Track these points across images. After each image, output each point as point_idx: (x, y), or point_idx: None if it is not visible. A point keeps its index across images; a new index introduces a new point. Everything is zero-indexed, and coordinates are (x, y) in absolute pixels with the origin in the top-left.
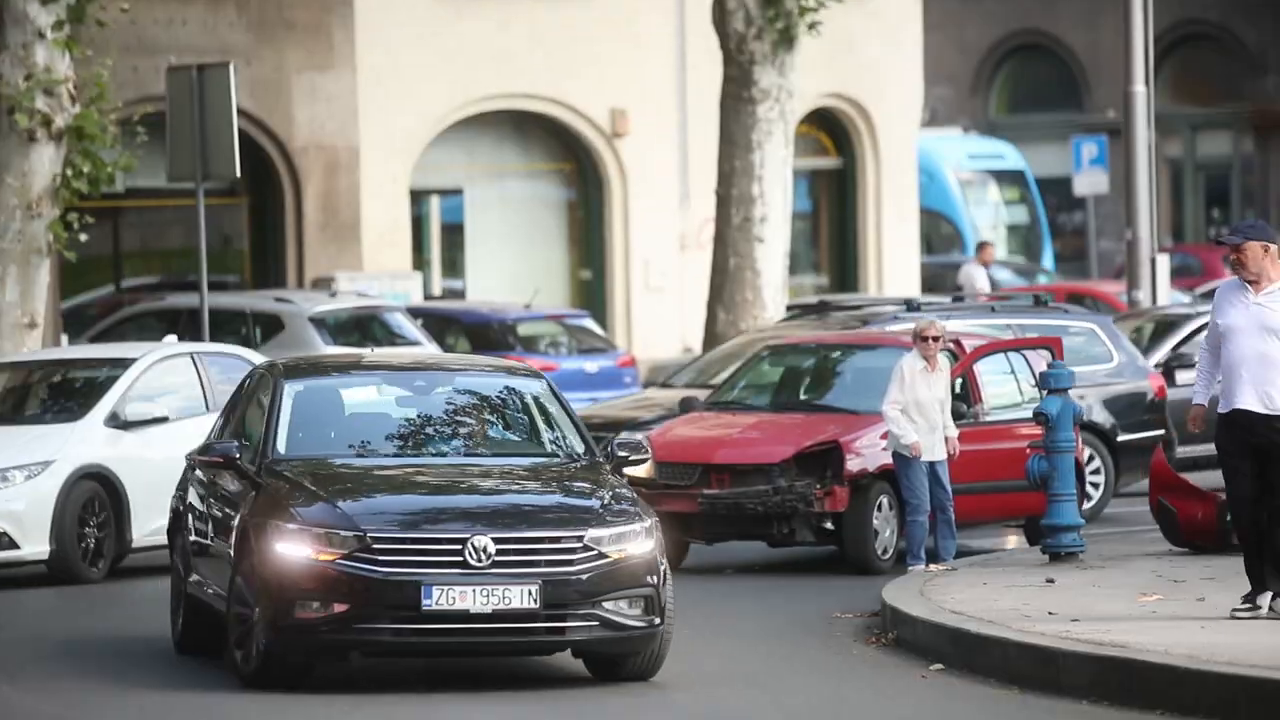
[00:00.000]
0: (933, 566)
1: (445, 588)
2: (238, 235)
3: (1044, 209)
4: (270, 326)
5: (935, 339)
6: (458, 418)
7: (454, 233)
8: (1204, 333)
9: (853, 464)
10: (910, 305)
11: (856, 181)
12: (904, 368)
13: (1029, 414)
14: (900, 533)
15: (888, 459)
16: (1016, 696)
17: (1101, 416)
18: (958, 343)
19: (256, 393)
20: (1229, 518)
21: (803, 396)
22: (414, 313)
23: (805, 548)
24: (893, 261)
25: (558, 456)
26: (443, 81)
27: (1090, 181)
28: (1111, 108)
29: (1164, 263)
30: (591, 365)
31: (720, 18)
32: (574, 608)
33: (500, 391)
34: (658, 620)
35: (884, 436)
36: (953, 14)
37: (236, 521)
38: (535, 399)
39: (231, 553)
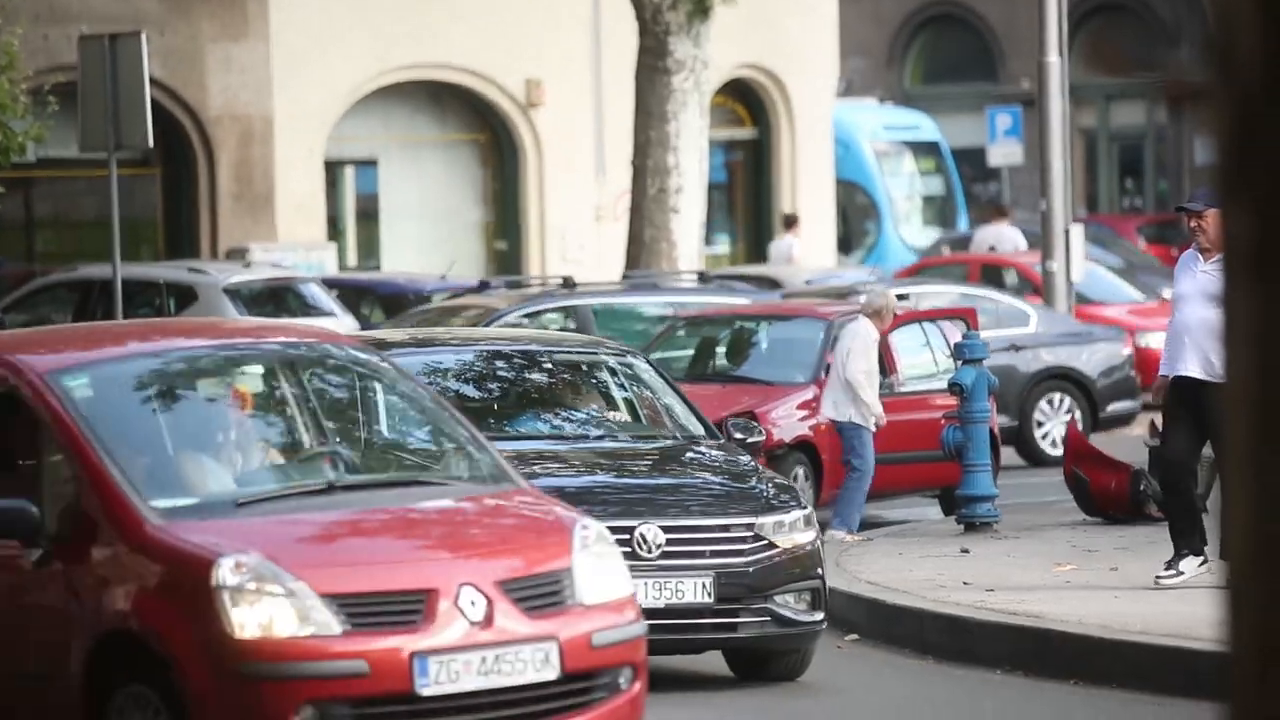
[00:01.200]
0: (848, 537)
1: None
2: (151, 205)
3: (959, 180)
4: (184, 298)
5: (895, 314)
6: (570, 397)
7: (369, 203)
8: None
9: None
10: (566, 283)
11: (772, 152)
12: (867, 336)
13: (943, 385)
14: (820, 501)
15: (804, 430)
16: (932, 666)
17: None
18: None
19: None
20: (1141, 487)
21: (718, 367)
22: (328, 284)
23: None
24: (809, 232)
25: (677, 438)
26: (357, 52)
27: (1005, 152)
28: (1026, 78)
29: (1078, 233)
30: None
31: None
32: (746, 602)
33: (604, 370)
34: (821, 615)
35: (804, 406)
36: None
37: None
38: (640, 377)
39: None
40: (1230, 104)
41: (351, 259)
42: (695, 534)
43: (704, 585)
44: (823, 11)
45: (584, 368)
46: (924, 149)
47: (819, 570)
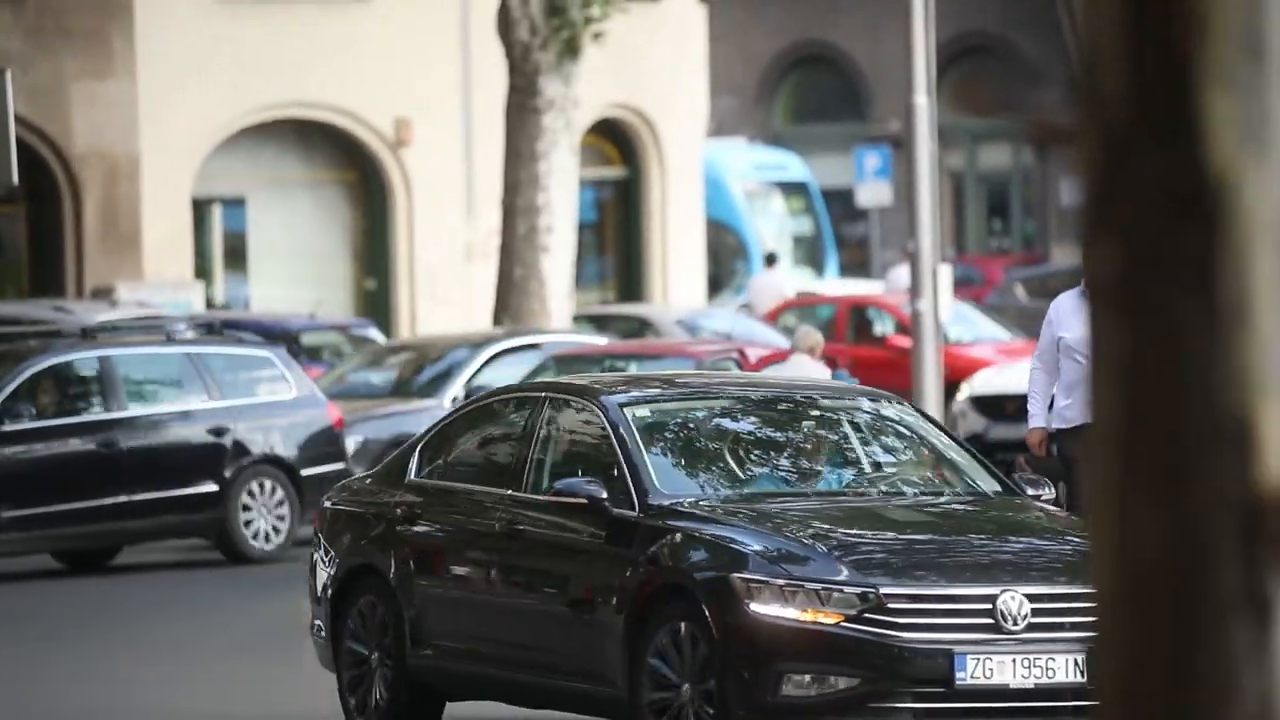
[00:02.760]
0: None
1: (981, 657)
2: (16, 244)
3: (829, 220)
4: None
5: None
6: (852, 449)
7: (237, 241)
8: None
9: None
10: (85, 333)
11: (642, 192)
12: (814, 369)
13: None
14: None
15: None
16: None
17: (285, 449)
18: (741, 352)
19: (535, 419)
20: None
21: None
22: (196, 322)
23: None
24: (678, 271)
25: (973, 494)
26: (224, 89)
27: (873, 192)
28: (894, 119)
29: (946, 274)
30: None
31: (505, 27)
32: None
33: (878, 418)
34: None
35: None
36: (737, 25)
37: (619, 579)
38: (915, 428)
39: (618, 621)
40: (1096, 140)
41: (219, 297)
42: (1062, 603)
43: (1075, 661)
44: (692, 51)
45: (857, 417)
46: (793, 189)
47: None
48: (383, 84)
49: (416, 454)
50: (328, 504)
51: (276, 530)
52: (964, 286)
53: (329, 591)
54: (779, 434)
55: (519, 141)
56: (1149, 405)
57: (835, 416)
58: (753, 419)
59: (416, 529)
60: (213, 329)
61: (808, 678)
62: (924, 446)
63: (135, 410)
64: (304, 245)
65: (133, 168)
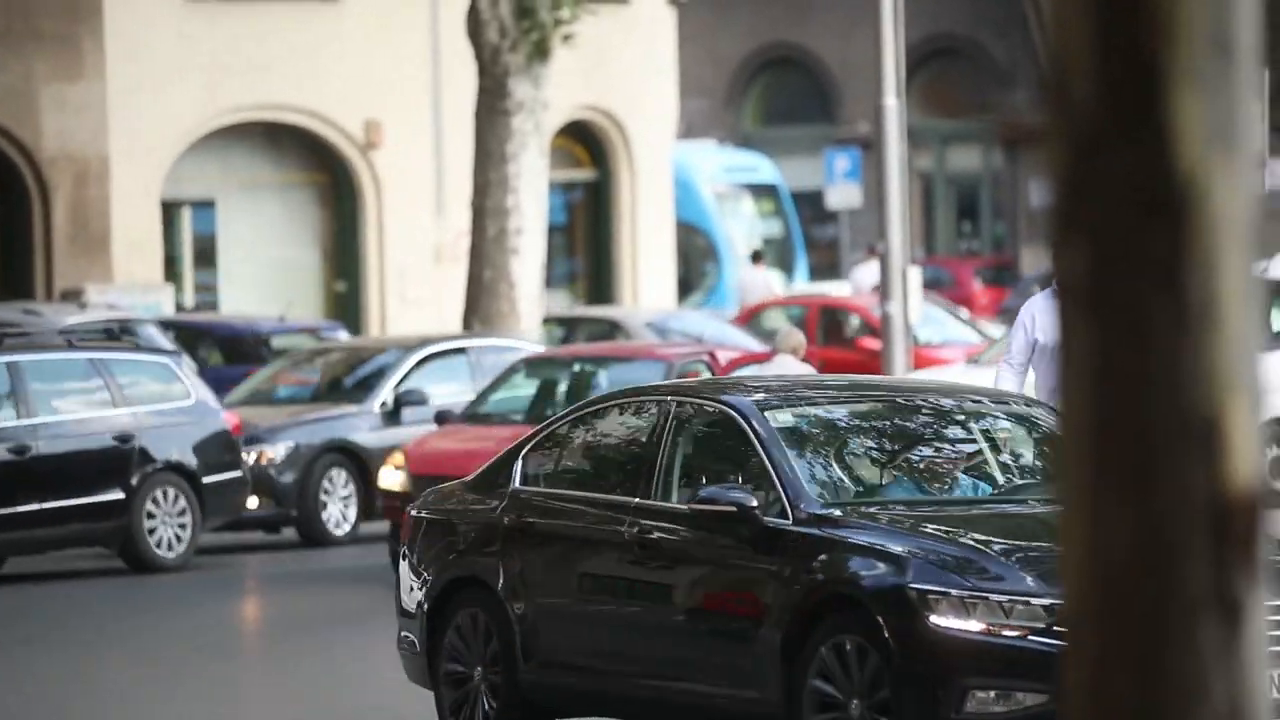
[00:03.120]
0: None
1: None
2: None
3: (798, 222)
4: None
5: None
6: (996, 453)
7: (207, 244)
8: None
9: None
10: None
11: (612, 194)
12: (801, 370)
13: None
14: None
15: None
16: None
17: (186, 457)
18: (712, 355)
19: (661, 424)
20: None
21: (558, 409)
22: (165, 325)
23: None
24: (648, 273)
25: None
26: (194, 92)
27: (843, 194)
28: (864, 121)
29: (916, 275)
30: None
31: (475, 29)
32: None
33: (1017, 421)
34: None
35: None
36: (707, 27)
37: (773, 591)
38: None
39: (774, 634)
40: (1065, 140)
41: (189, 300)
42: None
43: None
44: (662, 53)
45: (991, 417)
46: (762, 191)
47: None
48: (352, 86)
49: (520, 461)
50: (416, 513)
51: (179, 539)
52: (933, 288)
53: (425, 605)
54: (921, 438)
55: (489, 143)
56: (1118, 404)
57: (974, 419)
58: (892, 422)
59: (530, 539)
60: (111, 334)
61: (993, 694)
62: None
63: (45, 417)
64: (274, 247)
65: (102, 170)
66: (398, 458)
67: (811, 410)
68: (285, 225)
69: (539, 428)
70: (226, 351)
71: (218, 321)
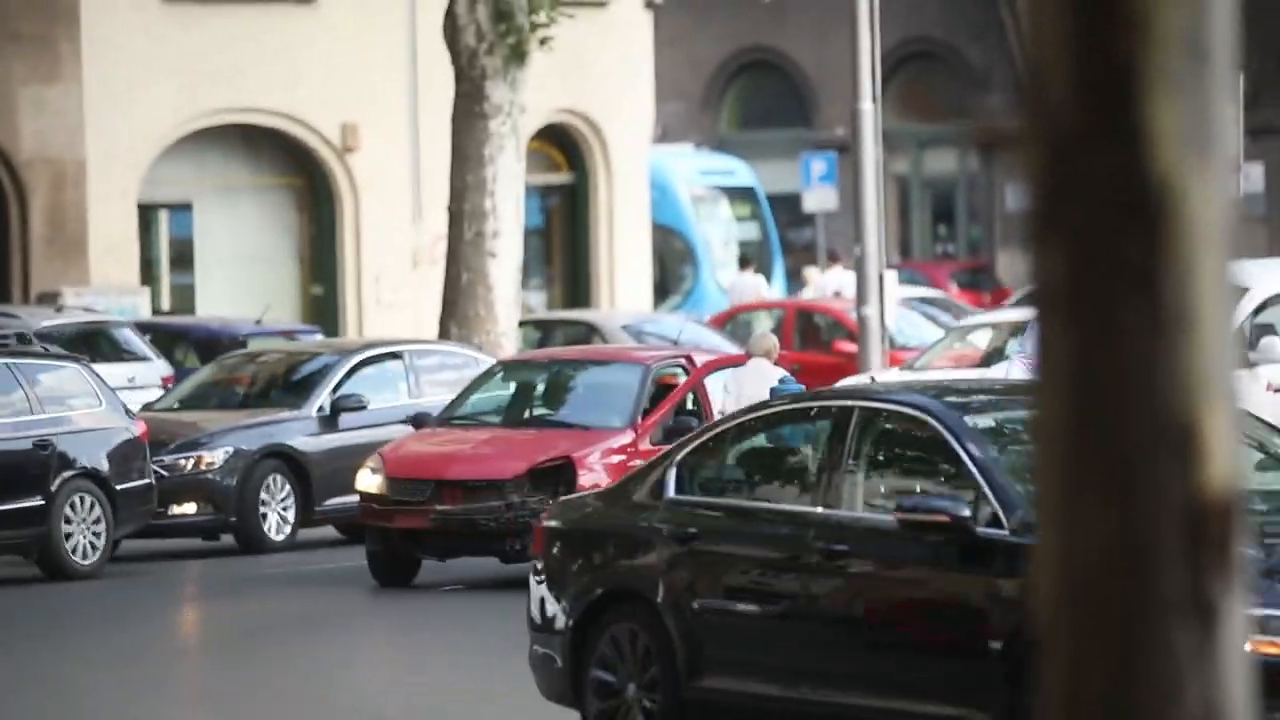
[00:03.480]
0: None
1: None
2: None
3: (775, 225)
4: None
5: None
6: None
7: (184, 247)
8: None
9: (585, 479)
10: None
11: (589, 197)
12: (770, 374)
13: None
14: None
15: (619, 475)
16: None
17: (100, 463)
18: (689, 358)
19: (844, 430)
20: None
21: (536, 412)
22: (142, 327)
23: None
24: (625, 275)
25: None
26: (171, 95)
27: (819, 198)
28: (840, 125)
29: (892, 279)
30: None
31: (451, 33)
32: None
33: None
34: None
35: (621, 450)
36: (683, 31)
37: (993, 608)
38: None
39: (994, 646)
40: (1042, 145)
41: (166, 303)
42: None
43: None
44: (639, 57)
45: None
46: (740, 194)
47: None
48: (330, 89)
49: (674, 470)
50: (550, 524)
51: (94, 546)
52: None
53: (569, 620)
54: None
55: (466, 147)
56: (1094, 409)
57: None
58: None
59: (696, 550)
60: (23, 338)
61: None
62: None
63: None
64: (251, 250)
65: (79, 173)
66: (375, 460)
67: (1009, 413)
68: (262, 228)
69: (692, 435)
70: (204, 354)
71: (195, 324)
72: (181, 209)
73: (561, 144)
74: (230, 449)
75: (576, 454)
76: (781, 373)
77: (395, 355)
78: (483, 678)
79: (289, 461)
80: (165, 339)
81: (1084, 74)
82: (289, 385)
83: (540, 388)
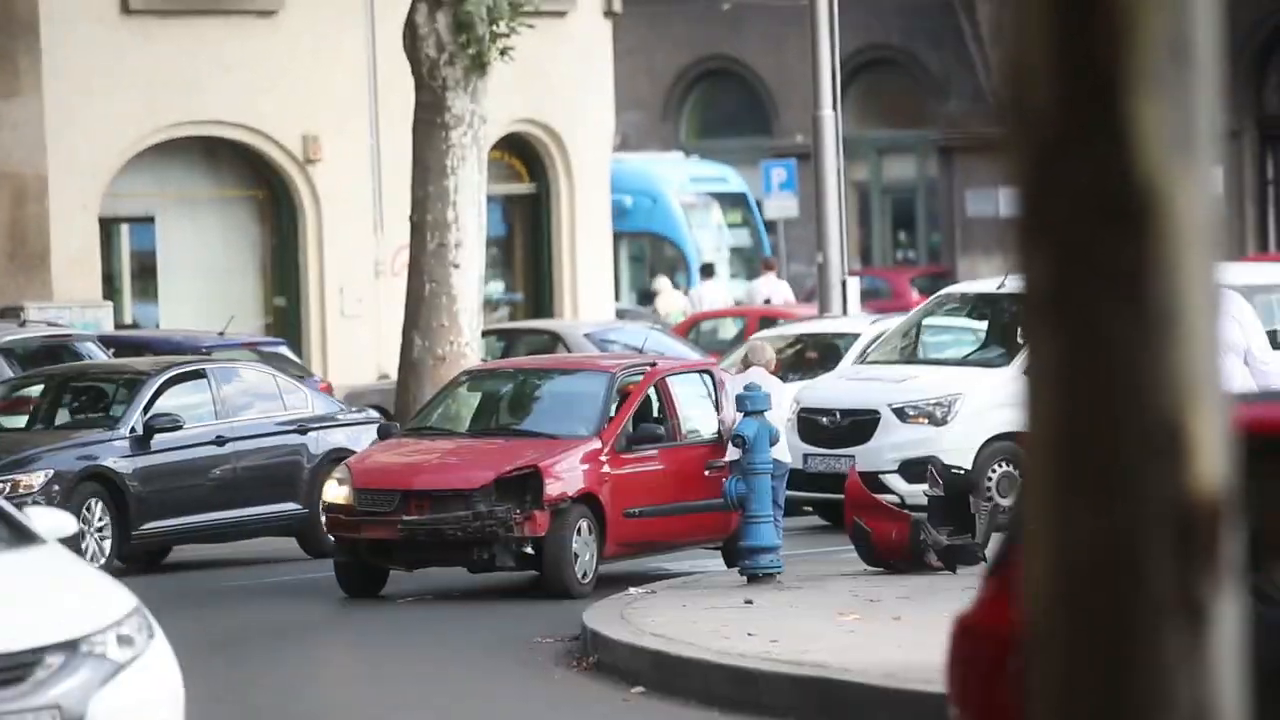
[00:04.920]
0: (632, 590)
1: None
2: None
3: (765, 231)
4: None
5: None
6: None
7: (146, 260)
8: None
9: (552, 488)
10: None
11: (550, 206)
12: (775, 385)
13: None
14: (604, 554)
15: (586, 484)
16: (718, 718)
17: None
18: (653, 365)
19: None
20: (921, 537)
21: (502, 421)
22: (106, 341)
23: (505, 573)
24: (587, 283)
25: None
26: (131, 108)
27: (780, 205)
28: (799, 132)
29: (854, 285)
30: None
31: (412, 44)
32: None
33: None
34: None
35: (588, 459)
36: (642, 40)
37: None
38: None
39: None
40: (1026, 150)
41: (128, 317)
42: None
43: None
44: (598, 66)
45: None
46: (730, 201)
47: None
48: (290, 101)
49: None
50: None
51: None
52: (871, 299)
53: None
54: None
55: (427, 157)
56: (1082, 412)
57: None
58: None
59: None
60: None
61: None
62: None
63: None
64: (213, 263)
65: (40, 188)
66: (341, 471)
67: None
68: (225, 241)
69: None
70: None
71: (157, 337)
72: (143, 222)
73: (522, 154)
74: (50, 471)
75: (543, 463)
76: (777, 384)
77: (199, 374)
78: (451, 688)
79: (106, 484)
80: (129, 351)
81: (1066, 77)
82: (101, 404)
83: (506, 397)
